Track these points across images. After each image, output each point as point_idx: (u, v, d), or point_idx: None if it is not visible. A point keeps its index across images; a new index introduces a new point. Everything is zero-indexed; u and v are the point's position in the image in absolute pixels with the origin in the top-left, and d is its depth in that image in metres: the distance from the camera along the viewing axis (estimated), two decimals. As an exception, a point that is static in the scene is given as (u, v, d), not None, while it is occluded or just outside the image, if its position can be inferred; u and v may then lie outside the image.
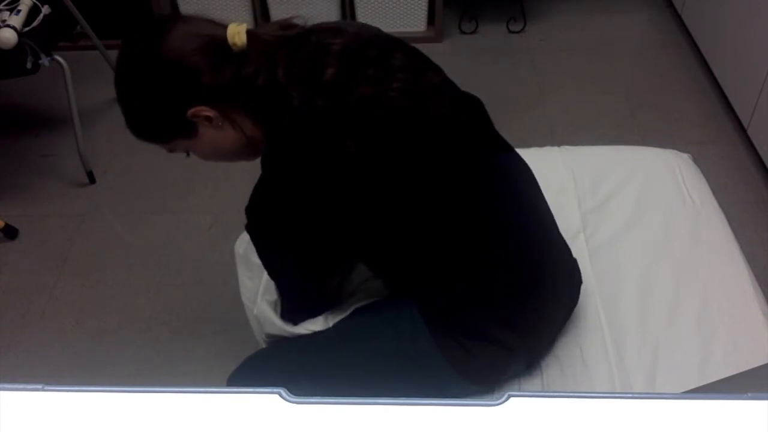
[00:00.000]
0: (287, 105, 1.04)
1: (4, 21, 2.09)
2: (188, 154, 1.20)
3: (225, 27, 1.07)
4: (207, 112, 1.09)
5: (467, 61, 2.93)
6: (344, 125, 1.02)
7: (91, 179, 2.44)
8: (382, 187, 1.04)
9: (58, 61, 2.25)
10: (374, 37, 1.15)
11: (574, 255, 1.30)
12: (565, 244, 1.28)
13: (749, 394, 0.52)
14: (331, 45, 1.09)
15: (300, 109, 1.04)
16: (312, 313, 1.27)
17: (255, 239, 1.19)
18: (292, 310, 1.29)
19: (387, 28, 1.18)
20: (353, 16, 3.00)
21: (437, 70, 1.17)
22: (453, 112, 1.14)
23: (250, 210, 1.15)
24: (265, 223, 1.15)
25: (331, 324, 1.26)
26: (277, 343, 1.33)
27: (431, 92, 1.13)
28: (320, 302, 1.28)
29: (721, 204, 1.56)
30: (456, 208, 1.09)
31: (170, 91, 1.08)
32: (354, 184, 1.03)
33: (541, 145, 1.72)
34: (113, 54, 2.72)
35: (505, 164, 1.21)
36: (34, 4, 2.20)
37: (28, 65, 2.17)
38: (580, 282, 1.30)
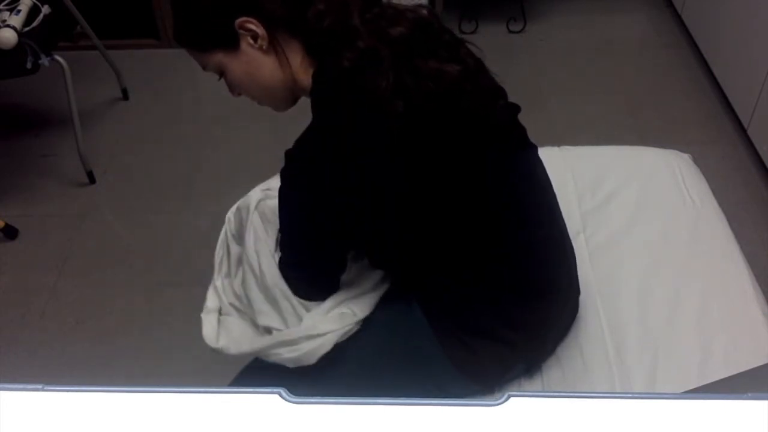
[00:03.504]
0: (352, 45, 1.00)
1: (4, 21, 2.09)
2: (220, 77, 1.14)
3: None
4: (255, 27, 1.05)
5: (467, 61, 2.93)
6: (400, 85, 0.98)
7: (91, 179, 2.44)
8: (414, 158, 1.02)
9: (58, 61, 2.25)
10: (448, 30, 1.13)
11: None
12: (574, 254, 1.28)
13: (749, 394, 0.52)
14: (406, 11, 1.06)
15: (364, 51, 0.99)
16: (321, 288, 1.18)
17: (283, 186, 1.14)
18: (299, 279, 1.18)
19: (387, 27, 1.18)
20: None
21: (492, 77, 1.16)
22: (499, 113, 1.14)
23: (289, 153, 1.11)
24: (299, 169, 1.10)
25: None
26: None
27: (486, 87, 1.12)
28: (330, 276, 1.19)
29: (721, 204, 1.56)
30: (470, 197, 1.08)
31: None
32: (391, 145, 1.00)
33: (541, 145, 1.71)
34: (113, 54, 2.75)
35: (526, 163, 1.20)
36: (34, 4, 2.20)
37: (28, 65, 2.17)
38: (578, 293, 1.30)
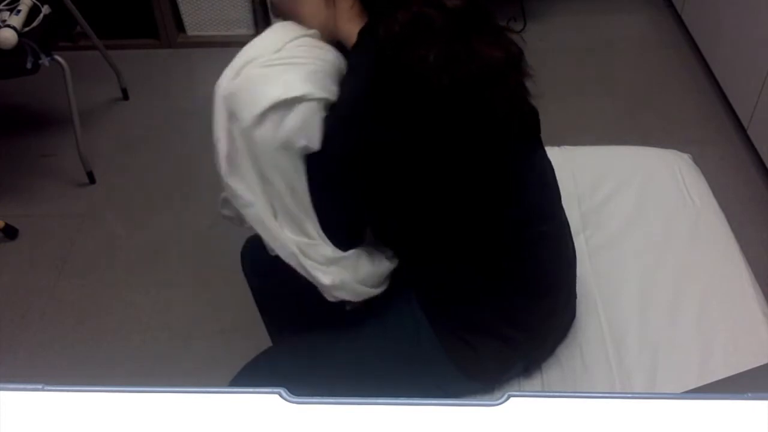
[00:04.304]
0: (407, 6, 0.97)
1: (4, 21, 2.09)
2: None
3: None
4: None
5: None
6: (449, 59, 0.96)
7: (91, 179, 2.44)
8: (444, 137, 1.00)
9: (58, 61, 2.25)
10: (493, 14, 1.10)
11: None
12: (575, 254, 1.28)
13: (749, 394, 0.53)
14: None
15: (418, 15, 0.97)
16: (341, 239, 1.13)
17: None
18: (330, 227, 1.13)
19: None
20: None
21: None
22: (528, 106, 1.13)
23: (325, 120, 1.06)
24: (329, 134, 1.05)
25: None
26: (280, 346, 1.32)
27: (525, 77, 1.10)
28: (349, 233, 1.15)
29: (721, 204, 1.56)
30: (488, 188, 1.07)
31: None
32: (430, 120, 0.98)
33: (541, 145, 1.72)
34: (113, 54, 2.75)
35: (540, 160, 1.20)
36: (34, 4, 2.20)
37: (28, 65, 2.17)
38: (575, 296, 1.30)
